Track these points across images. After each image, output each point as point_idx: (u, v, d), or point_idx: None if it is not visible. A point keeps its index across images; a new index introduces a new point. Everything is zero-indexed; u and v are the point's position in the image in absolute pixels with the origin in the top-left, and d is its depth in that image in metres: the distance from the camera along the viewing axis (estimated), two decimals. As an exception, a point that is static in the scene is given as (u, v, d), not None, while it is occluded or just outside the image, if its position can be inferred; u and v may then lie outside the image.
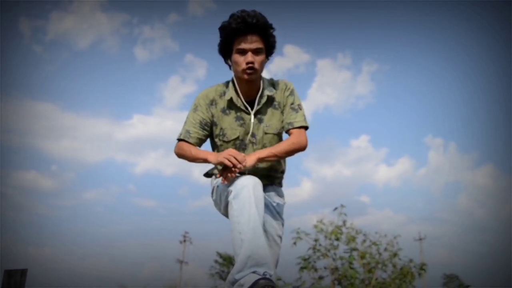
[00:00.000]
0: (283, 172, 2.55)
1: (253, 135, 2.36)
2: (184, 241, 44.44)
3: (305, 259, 7.97)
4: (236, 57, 2.26)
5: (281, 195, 2.50)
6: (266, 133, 2.36)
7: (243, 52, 2.23)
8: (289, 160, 2.53)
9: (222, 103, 2.37)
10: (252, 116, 2.34)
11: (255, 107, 2.34)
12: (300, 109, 2.38)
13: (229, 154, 2.11)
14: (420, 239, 32.39)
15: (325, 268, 8.40)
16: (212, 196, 2.45)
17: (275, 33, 2.30)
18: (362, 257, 8.07)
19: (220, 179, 2.34)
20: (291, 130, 2.35)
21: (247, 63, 2.23)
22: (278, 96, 2.39)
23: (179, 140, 2.40)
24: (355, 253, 8.00)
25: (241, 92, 2.36)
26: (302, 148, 2.33)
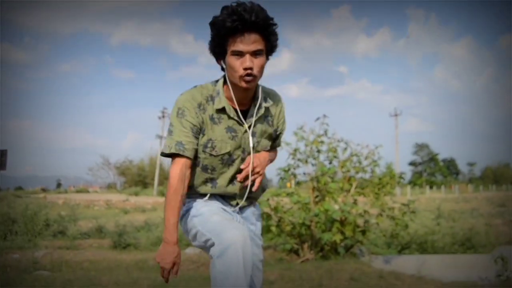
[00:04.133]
0: (264, 191, 2.33)
1: (244, 151, 2.08)
2: (163, 116, 44.78)
3: (285, 170, 7.83)
4: (232, 60, 1.90)
5: (257, 214, 2.29)
6: (256, 151, 2.12)
7: (240, 54, 1.88)
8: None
9: (211, 110, 2.02)
10: (248, 129, 2.05)
11: (253, 119, 2.05)
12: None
13: (165, 262, 1.91)
14: (396, 115, 33.08)
15: (304, 173, 8.33)
16: (180, 222, 2.08)
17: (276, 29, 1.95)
18: (342, 166, 7.99)
19: (190, 203, 2.08)
20: None
21: (245, 69, 1.88)
22: (272, 111, 2.15)
23: (171, 155, 1.97)
24: (335, 162, 7.87)
25: (235, 99, 2.01)
26: None
